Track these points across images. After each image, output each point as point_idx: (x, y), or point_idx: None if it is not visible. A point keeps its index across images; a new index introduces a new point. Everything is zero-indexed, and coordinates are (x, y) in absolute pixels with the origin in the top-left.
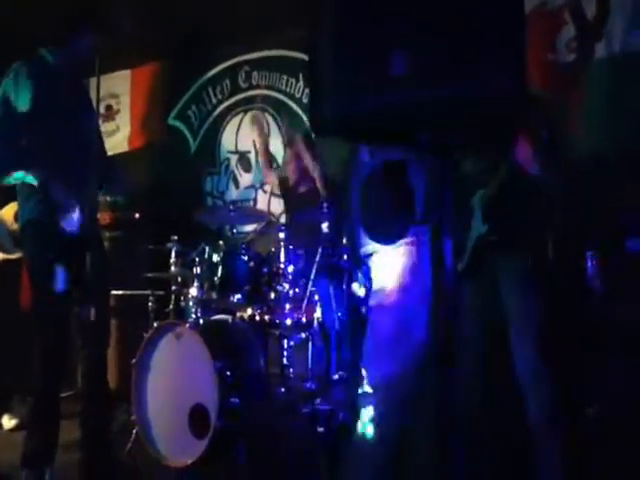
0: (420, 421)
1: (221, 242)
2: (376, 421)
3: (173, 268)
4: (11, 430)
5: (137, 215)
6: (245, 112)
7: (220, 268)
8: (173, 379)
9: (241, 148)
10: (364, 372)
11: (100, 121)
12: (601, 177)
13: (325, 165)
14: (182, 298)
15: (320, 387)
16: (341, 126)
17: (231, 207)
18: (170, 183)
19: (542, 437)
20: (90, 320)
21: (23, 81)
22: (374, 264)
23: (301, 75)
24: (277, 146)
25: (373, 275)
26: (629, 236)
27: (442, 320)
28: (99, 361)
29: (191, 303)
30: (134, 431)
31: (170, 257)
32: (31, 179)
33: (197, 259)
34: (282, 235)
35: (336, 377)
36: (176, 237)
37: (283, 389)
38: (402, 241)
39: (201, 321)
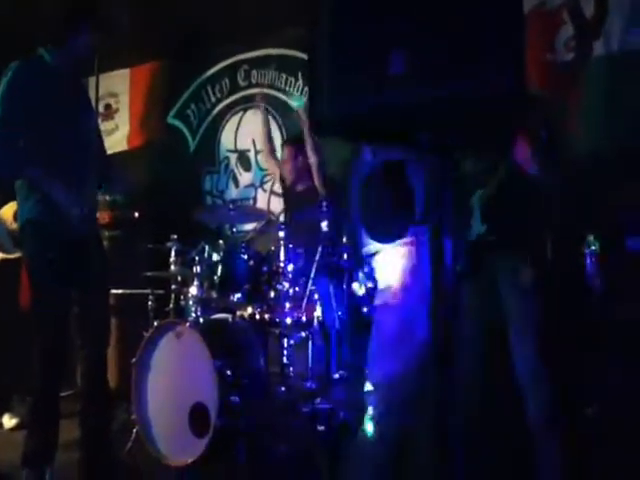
0: (421, 421)
1: (221, 241)
2: (376, 420)
3: (173, 267)
4: (12, 429)
5: (136, 214)
6: (244, 111)
7: (220, 267)
8: (173, 378)
9: (240, 147)
10: (367, 371)
11: (99, 120)
12: (600, 176)
13: (325, 164)
14: (182, 297)
15: (320, 386)
16: (340, 126)
17: (231, 206)
18: (169, 182)
19: (541, 437)
20: (90, 319)
21: (22, 81)
22: (377, 264)
23: (300, 74)
24: (276, 145)
25: (377, 275)
26: (628, 235)
27: (441, 320)
28: (99, 360)
29: (191, 302)
30: (134, 430)
31: (170, 256)
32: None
33: (197, 258)
34: (282, 234)
35: (336, 376)
36: (176, 236)
37: (283, 388)
38: (403, 241)
39: (201, 320)
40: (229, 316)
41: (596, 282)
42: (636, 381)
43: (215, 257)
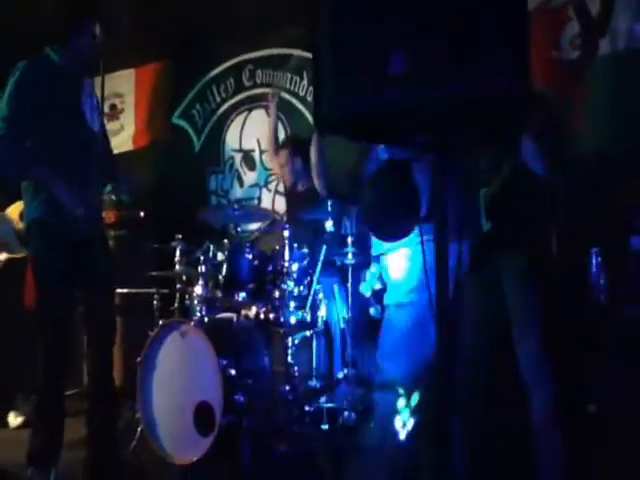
0: (424, 419)
1: (226, 241)
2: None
3: (178, 267)
4: (17, 428)
5: (142, 214)
6: (249, 110)
7: (225, 267)
8: (178, 377)
9: (245, 146)
10: (379, 369)
11: (104, 120)
12: (605, 175)
13: (329, 166)
14: (187, 296)
15: (324, 385)
16: (342, 125)
17: (235, 206)
18: (175, 182)
19: (544, 435)
20: (96, 318)
21: (29, 80)
22: (389, 263)
23: (305, 73)
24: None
25: (389, 274)
26: (633, 234)
27: (445, 319)
28: (105, 359)
29: (196, 301)
30: (139, 429)
31: (175, 256)
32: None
33: (202, 258)
34: (286, 233)
35: (340, 375)
36: (181, 236)
37: (287, 387)
38: (416, 240)
39: (206, 319)
40: (234, 315)
41: (600, 281)
42: (637, 381)
43: (220, 257)
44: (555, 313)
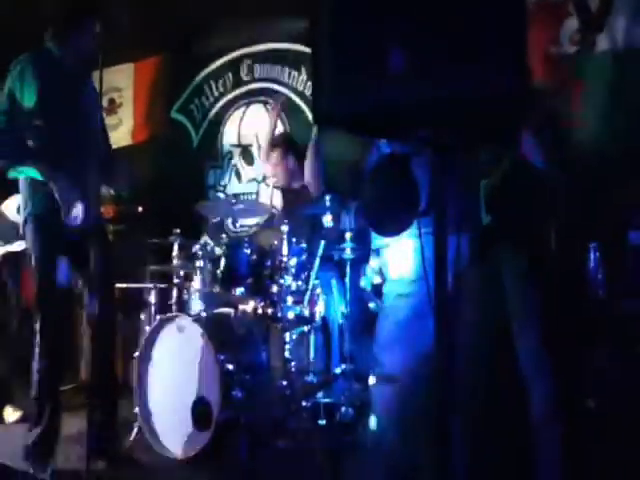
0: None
1: (224, 235)
2: (383, 412)
3: (176, 261)
4: (14, 423)
5: (140, 208)
6: (247, 105)
7: (223, 261)
8: (176, 372)
9: (244, 141)
10: (376, 361)
11: (103, 114)
12: (604, 170)
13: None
14: (185, 291)
15: (322, 381)
16: (342, 120)
17: (234, 200)
18: (173, 177)
19: (543, 430)
20: (96, 313)
21: (29, 75)
22: (389, 255)
23: (304, 68)
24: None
25: (389, 266)
26: (632, 229)
27: (443, 311)
28: (105, 354)
29: (194, 296)
30: (136, 424)
31: (173, 250)
32: (36, 174)
33: (200, 252)
34: (285, 228)
35: (338, 371)
36: (179, 230)
37: (285, 382)
38: (416, 233)
39: (204, 314)
40: (231, 310)
41: (599, 276)
42: (636, 376)
43: (218, 251)
44: (554, 308)
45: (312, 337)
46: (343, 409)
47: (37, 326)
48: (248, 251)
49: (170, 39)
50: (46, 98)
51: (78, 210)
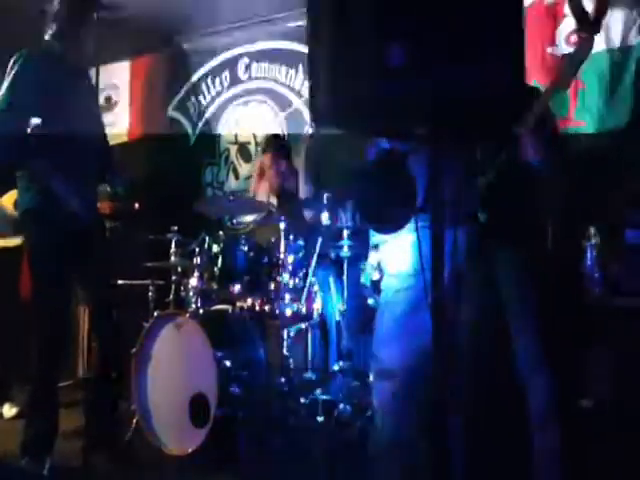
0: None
1: (221, 232)
2: (382, 408)
3: (173, 258)
4: (11, 418)
5: (137, 205)
6: (245, 103)
7: (220, 258)
8: (173, 369)
9: (241, 139)
10: (375, 357)
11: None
12: (600, 169)
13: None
14: (182, 288)
15: (319, 377)
16: (339, 119)
17: (231, 197)
18: (170, 174)
19: (541, 429)
20: (93, 308)
21: (29, 70)
22: (388, 250)
23: (301, 67)
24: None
25: (387, 261)
26: (629, 228)
27: (440, 309)
28: (104, 349)
29: (191, 293)
30: (134, 420)
31: (170, 247)
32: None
33: (197, 249)
34: (282, 225)
35: (336, 367)
36: (176, 227)
37: (283, 379)
38: (413, 228)
39: (201, 311)
40: (229, 307)
41: (595, 274)
42: (633, 374)
43: (215, 248)
44: (550, 306)
45: (310, 334)
46: (341, 406)
47: (34, 322)
48: (245, 248)
49: (167, 37)
50: (46, 93)
51: (73, 206)
